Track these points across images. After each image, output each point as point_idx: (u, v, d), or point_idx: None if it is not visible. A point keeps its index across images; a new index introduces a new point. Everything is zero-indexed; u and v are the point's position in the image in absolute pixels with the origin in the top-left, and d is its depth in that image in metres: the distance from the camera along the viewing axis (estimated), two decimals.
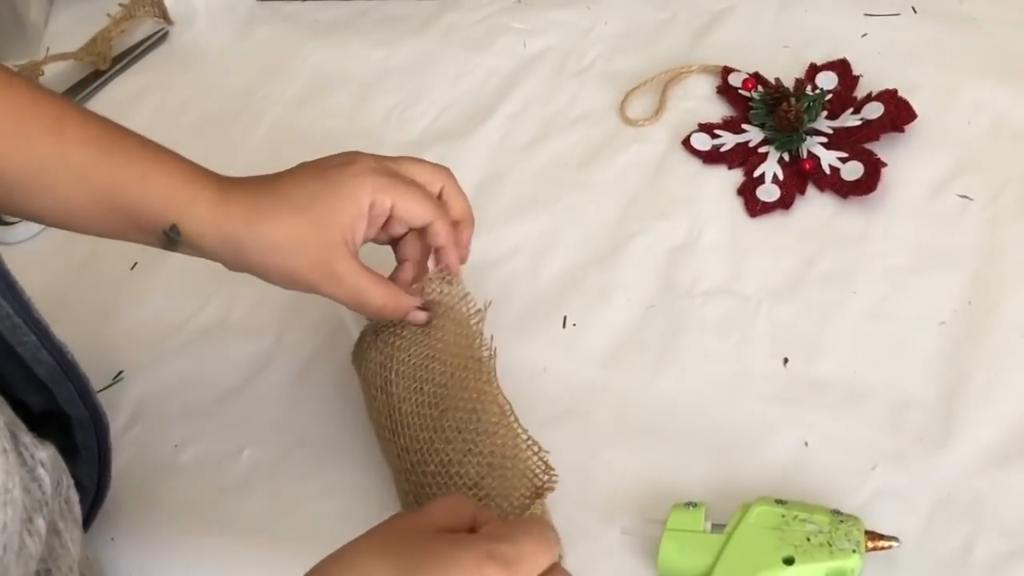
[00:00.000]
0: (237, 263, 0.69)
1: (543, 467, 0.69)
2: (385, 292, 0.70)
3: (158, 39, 1.06)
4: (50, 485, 0.61)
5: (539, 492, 0.67)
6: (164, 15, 1.07)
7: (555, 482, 0.68)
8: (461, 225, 0.74)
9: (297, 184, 0.69)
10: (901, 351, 0.75)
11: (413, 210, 0.70)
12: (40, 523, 0.59)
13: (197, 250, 0.69)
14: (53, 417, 0.66)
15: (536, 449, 0.69)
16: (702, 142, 0.89)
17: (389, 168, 0.71)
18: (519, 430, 0.70)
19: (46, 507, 0.60)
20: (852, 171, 0.84)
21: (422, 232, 0.73)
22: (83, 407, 0.67)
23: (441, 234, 0.72)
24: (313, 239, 0.68)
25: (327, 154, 0.95)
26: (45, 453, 0.61)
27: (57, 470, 0.63)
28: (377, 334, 0.73)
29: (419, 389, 0.70)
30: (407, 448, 0.69)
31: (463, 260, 0.75)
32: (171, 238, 0.67)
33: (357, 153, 0.71)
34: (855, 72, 0.90)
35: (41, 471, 0.60)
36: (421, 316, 0.72)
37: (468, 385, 0.70)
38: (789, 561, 0.63)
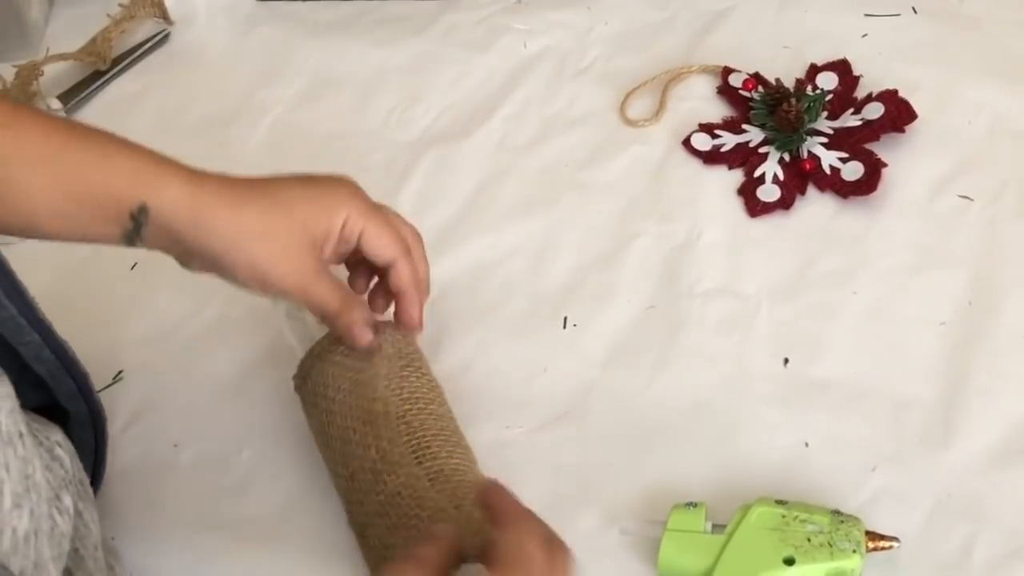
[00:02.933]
0: (203, 249, 0.65)
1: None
2: (343, 297, 0.68)
3: (159, 40, 1.06)
4: (71, 463, 0.61)
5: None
6: (164, 15, 1.06)
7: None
8: (416, 292, 0.72)
9: (279, 184, 0.68)
10: (901, 351, 0.75)
11: (380, 244, 0.69)
12: (68, 500, 0.59)
13: (164, 234, 0.65)
14: (48, 414, 0.66)
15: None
16: (702, 142, 0.89)
17: (370, 200, 0.69)
18: (432, 490, 0.67)
19: (71, 484, 0.60)
20: (852, 171, 0.84)
21: (383, 274, 0.71)
22: (83, 403, 0.67)
23: (404, 275, 0.70)
24: (287, 233, 0.66)
25: (327, 154, 0.96)
26: (59, 434, 0.61)
27: (71, 450, 0.63)
28: (305, 379, 0.73)
29: (327, 445, 0.71)
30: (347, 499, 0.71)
31: (419, 325, 0.72)
32: (137, 222, 0.64)
33: (346, 177, 0.70)
34: (855, 72, 0.90)
35: (60, 450, 0.60)
36: (366, 335, 0.69)
37: (368, 443, 0.69)
38: (789, 561, 0.63)
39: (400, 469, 0.67)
